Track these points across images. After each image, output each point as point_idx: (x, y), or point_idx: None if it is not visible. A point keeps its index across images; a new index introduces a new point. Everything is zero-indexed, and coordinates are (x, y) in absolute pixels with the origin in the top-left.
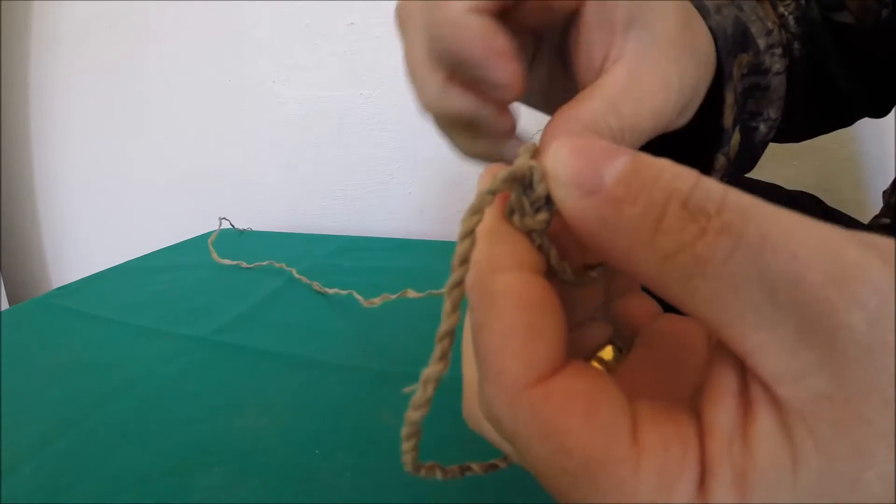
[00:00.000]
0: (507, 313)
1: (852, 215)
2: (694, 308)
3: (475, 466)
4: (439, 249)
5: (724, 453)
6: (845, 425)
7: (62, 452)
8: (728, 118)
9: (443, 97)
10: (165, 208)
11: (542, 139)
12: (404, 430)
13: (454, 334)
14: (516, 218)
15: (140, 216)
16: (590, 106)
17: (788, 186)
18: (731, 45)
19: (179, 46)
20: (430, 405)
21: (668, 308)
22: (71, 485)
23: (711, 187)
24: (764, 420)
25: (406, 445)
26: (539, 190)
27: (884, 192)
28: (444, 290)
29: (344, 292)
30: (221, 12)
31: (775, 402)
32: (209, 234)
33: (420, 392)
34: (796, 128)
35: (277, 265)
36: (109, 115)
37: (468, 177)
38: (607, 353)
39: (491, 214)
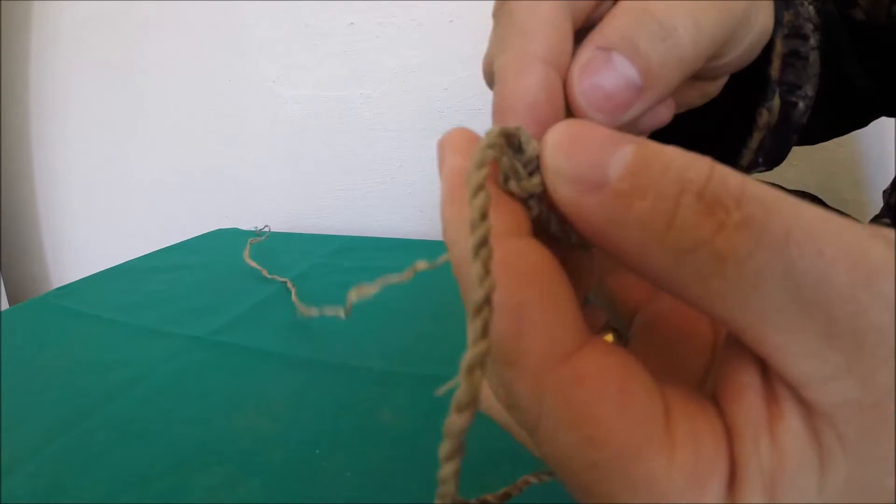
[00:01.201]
0: (518, 285)
1: (852, 215)
2: (713, 309)
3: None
4: (439, 249)
5: (752, 452)
6: (874, 430)
7: (62, 452)
8: (776, 68)
9: None
10: (165, 208)
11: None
12: (444, 449)
13: (492, 303)
14: (512, 184)
15: (140, 216)
16: (618, 23)
17: (789, 187)
18: None
19: (179, 46)
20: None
21: None
22: (71, 485)
23: (728, 177)
24: (792, 420)
25: (446, 471)
26: (529, 151)
27: (884, 192)
28: (467, 254)
29: (329, 314)
30: (221, 12)
31: (802, 402)
32: (209, 234)
33: (464, 387)
34: (812, 128)
35: (282, 280)
36: (109, 114)
37: None
38: (608, 339)
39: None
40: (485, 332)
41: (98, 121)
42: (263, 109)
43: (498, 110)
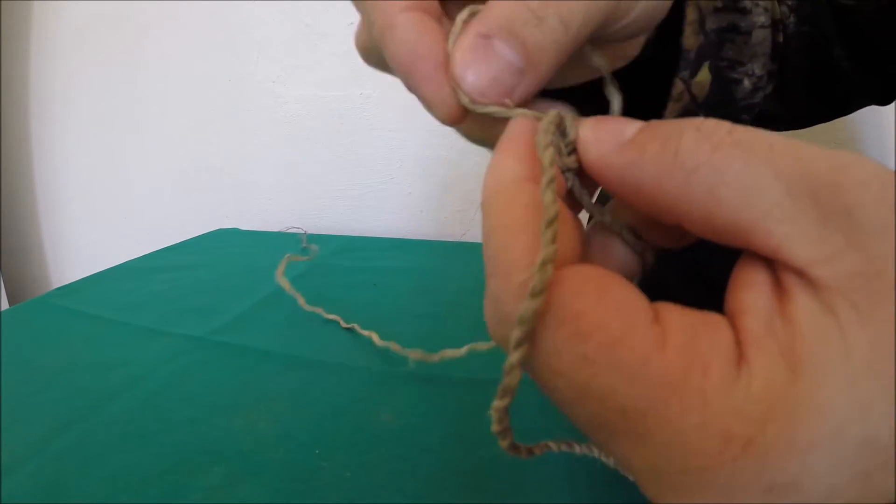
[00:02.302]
0: (519, 213)
1: None
2: (723, 216)
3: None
4: (439, 249)
5: (766, 329)
6: (884, 296)
7: (62, 452)
8: (690, 39)
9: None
10: (165, 208)
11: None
12: (515, 335)
13: (556, 222)
14: (554, 155)
15: (140, 216)
16: (496, 12)
17: None
18: None
19: (179, 46)
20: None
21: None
22: (71, 485)
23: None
24: (803, 299)
25: (513, 358)
26: (571, 135)
27: None
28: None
29: (328, 316)
30: (221, 12)
31: (811, 284)
32: (209, 234)
33: (538, 277)
34: (794, 112)
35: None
36: (109, 114)
37: (468, 177)
38: None
39: (516, 136)
40: (553, 239)
41: (98, 121)
42: (263, 109)
43: (396, 67)
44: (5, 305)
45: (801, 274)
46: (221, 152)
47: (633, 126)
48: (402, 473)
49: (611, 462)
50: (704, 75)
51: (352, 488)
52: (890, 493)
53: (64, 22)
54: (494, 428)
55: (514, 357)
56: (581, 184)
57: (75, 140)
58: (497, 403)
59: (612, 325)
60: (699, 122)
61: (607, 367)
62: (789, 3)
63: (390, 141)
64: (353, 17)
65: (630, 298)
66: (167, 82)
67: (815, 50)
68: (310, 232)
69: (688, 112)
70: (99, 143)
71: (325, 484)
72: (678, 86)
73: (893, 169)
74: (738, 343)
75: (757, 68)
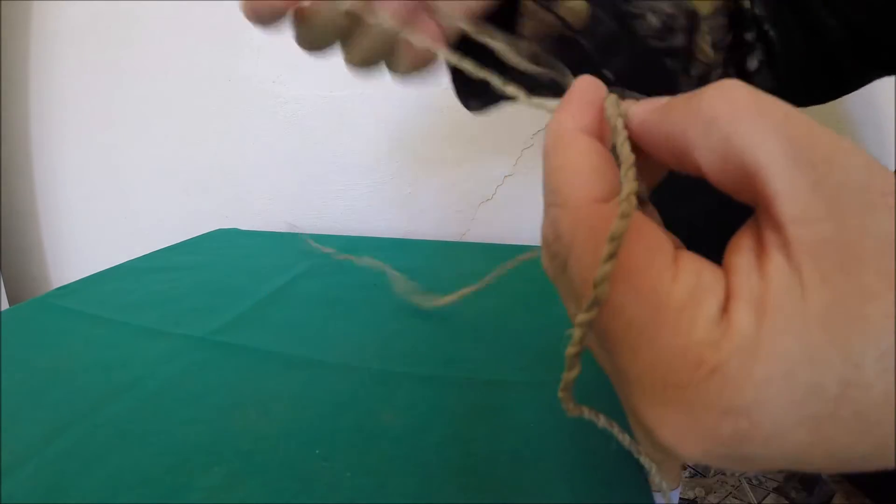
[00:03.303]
0: (578, 156)
1: None
2: (734, 159)
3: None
4: (439, 249)
5: (744, 283)
6: (847, 265)
7: (62, 452)
8: None
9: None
10: (165, 208)
11: None
12: (606, 251)
13: (634, 185)
14: (621, 122)
15: (140, 216)
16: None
17: None
18: None
19: (179, 46)
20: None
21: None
22: (71, 485)
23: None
24: (776, 258)
25: (604, 269)
26: (623, 113)
27: None
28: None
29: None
30: (221, 12)
31: (786, 244)
32: (209, 234)
33: (623, 205)
34: (793, 87)
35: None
36: (109, 114)
37: (468, 177)
38: None
39: (575, 98)
40: (634, 177)
41: (98, 121)
42: (263, 109)
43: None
44: (5, 305)
45: (780, 231)
46: (221, 152)
47: (662, 99)
48: (402, 473)
49: (626, 442)
50: (580, 3)
51: (352, 488)
52: (844, 449)
53: (64, 22)
54: (571, 350)
55: (606, 268)
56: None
57: (75, 139)
58: (582, 317)
59: (640, 256)
60: (722, 81)
61: (628, 288)
62: (759, 12)
63: (390, 141)
64: None
65: (659, 239)
66: (167, 82)
67: (799, 14)
68: (310, 232)
69: (563, 38)
70: (99, 143)
71: (325, 484)
72: (527, 5)
73: (893, 169)
74: (726, 295)
75: (666, 6)
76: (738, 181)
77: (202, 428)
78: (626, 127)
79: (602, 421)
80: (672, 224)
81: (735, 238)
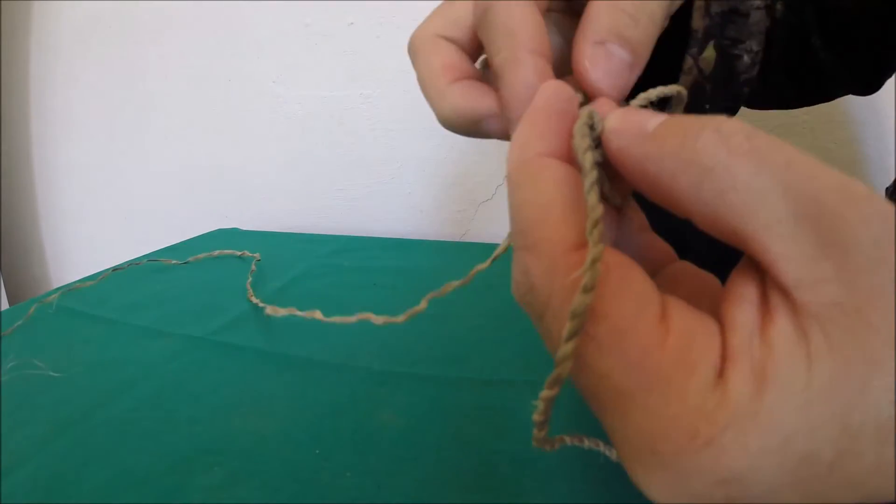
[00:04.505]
0: (548, 189)
1: None
2: (729, 220)
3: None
4: (439, 249)
5: (745, 348)
6: (858, 333)
7: (62, 452)
8: (697, 20)
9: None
10: (165, 208)
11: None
12: (568, 328)
13: (600, 222)
14: (594, 158)
15: (140, 216)
16: (603, 21)
17: None
18: None
19: (180, 46)
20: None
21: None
22: (71, 485)
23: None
24: (782, 322)
25: (565, 349)
26: (598, 129)
27: (886, 189)
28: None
29: (301, 313)
30: (221, 12)
31: (793, 308)
32: (209, 234)
33: (589, 273)
34: (771, 94)
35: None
36: (109, 114)
37: (468, 177)
38: None
39: (540, 110)
40: (599, 238)
41: (98, 121)
42: (263, 109)
43: (506, 99)
44: (5, 305)
45: (786, 294)
46: (221, 152)
47: (655, 119)
48: (402, 473)
49: (613, 456)
50: (710, 52)
51: (352, 488)
52: (829, 499)
53: (64, 22)
54: (537, 417)
55: (566, 348)
56: (605, 170)
57: (75, 140)
58: (546, 393)
59: (626, 314)
60: (720, 121)
61: (612, 350)
62: None
63: (390, 141)
64: (353, 17)
65: (646, 292)
66: (167, 82)
67: (795, 37)
68: (310, 232)
69: (696, 84)
70: (99, 143)
71: (325, 484)
72: (688, 61)
73: (893, 169)
74: (722, 356)
75: (754, 45)
76: (733, 238)
77: (202, 428)
78: (603, 145)
79: (587, 443)
80: (663, 229)
81: (734, 284)
